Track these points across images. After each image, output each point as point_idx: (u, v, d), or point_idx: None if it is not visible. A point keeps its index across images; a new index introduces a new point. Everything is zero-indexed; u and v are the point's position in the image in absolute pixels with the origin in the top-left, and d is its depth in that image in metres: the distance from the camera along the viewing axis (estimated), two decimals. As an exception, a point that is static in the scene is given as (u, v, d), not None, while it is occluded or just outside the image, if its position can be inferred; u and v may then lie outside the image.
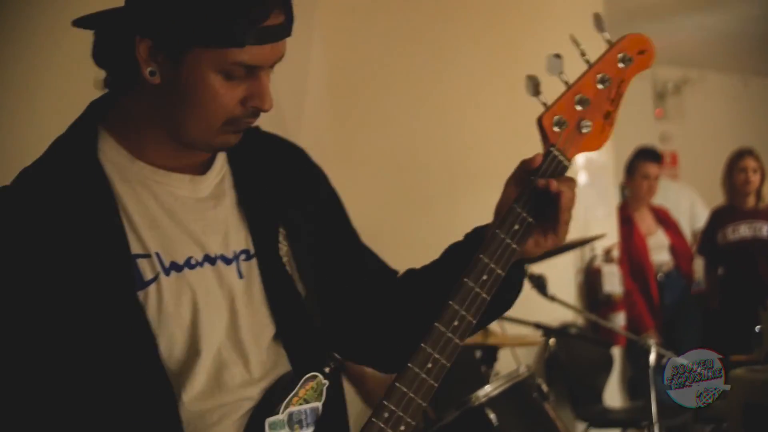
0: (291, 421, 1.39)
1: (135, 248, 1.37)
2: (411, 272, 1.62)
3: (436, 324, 1.41)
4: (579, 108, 1.48)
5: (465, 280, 1.42)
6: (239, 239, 1.44)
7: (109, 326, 1.33)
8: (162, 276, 1.36)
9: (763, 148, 5.82)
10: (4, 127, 2.94)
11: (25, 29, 2.97)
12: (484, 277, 1.42)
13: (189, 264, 1.39)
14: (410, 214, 4.33)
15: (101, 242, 1.34)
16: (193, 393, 1.37)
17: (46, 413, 1.34)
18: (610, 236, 5.05)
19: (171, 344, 1.36)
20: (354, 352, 1.65)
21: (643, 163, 5.46)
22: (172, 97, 1.35)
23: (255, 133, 1.54)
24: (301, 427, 1.41)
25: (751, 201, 5.50)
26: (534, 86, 1.46)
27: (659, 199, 5.71)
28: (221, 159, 1.49)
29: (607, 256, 5.08)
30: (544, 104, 1.47)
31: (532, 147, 1.50)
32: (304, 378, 1.41)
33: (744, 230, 5.46)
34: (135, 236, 1.37)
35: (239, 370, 1.40)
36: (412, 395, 1.39)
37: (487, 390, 2.92)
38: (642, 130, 7.85)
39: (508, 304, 1.55)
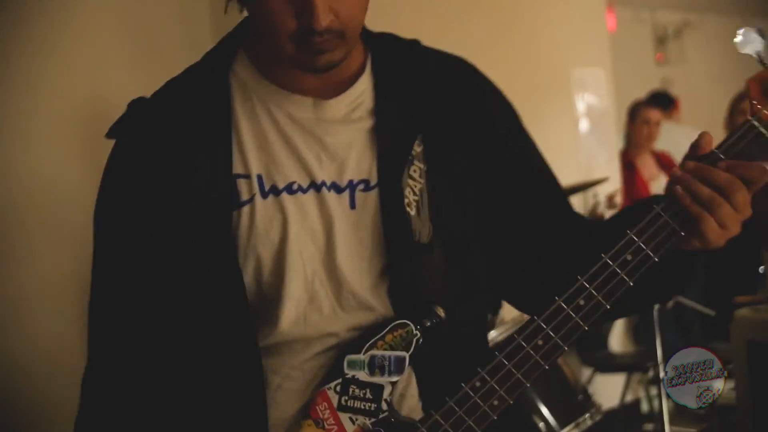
0: (372, 364, 1.32)
1: (237, 168, 1.35)
2: (594, 226, 1.47)
3: (556, 298, 1.27)
4: None
5: (602, 255, 1.26)
6: (361, 168, 1.37)
7: (201, 242, 1.33)
8: (258, 198, 1.34)
9: (764, 90, 5.78)
10: (4, 127, 2.92)
11: (25, 29, 2.94)
12: (628, 257, 1.26)
13: (290, 189, 1.35)
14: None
15: (208, 159, 1.34)
16: (278, 320, 1.34)
17: (131, 322, 1.36)
18: (613, 182, 5.04)
19: (259, 268, 1.34)
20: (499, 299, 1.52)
21: (644, 108, 5.44)
22: (251, 12, 1.34)
23: (414, 51, 1.46)
24: (383, 373, 1.33)
25: (753, 143, 5.48)
26: (753, 42, 1.23)
27: (664, 143, 5.68)
28: (363, 83, 1.41)
29: (610, 202, 5.07)
30: (764, 65, 1.23)
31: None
32: (393, 323, 1.33)
33: (746, 172, 5.45)
34: (240, 156, 1.36)
35: (329, 304, 1.34)
36: (512, 369, 1.28)
37: (493, 335, 2.94)
38: (643, 75, 7.81)
39: (666, 294, 1.36)
